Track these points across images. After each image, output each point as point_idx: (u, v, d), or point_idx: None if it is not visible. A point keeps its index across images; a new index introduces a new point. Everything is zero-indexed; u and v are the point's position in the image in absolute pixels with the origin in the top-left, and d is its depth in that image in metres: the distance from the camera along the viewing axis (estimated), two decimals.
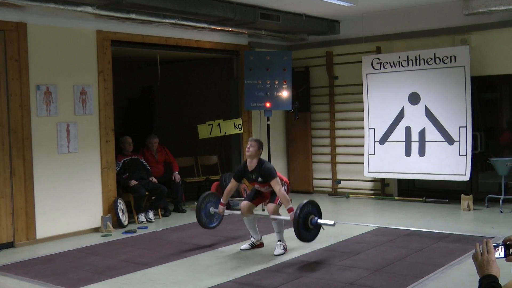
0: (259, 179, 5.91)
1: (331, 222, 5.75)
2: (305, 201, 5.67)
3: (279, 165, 10.30)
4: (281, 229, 5.97)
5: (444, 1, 8.42)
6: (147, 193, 8.08)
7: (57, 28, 7.11)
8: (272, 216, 5.91)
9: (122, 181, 7.98)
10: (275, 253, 5.88)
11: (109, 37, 7.67)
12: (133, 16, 7.21)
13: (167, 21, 7.58)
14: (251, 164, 5.95)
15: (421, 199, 8.95)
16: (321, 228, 5.81)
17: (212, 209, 6.35)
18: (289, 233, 6.79)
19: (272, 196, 5.99)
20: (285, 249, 5.98)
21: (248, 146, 5.97)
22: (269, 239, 6.37)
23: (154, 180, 8.31)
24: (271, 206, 5.93)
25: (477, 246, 2.22)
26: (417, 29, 8.90)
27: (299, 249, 6.11)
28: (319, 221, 5.70)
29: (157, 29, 8.09)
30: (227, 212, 6.38)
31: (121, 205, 7.71)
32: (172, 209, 8.66)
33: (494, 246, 2.21)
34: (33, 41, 6.84)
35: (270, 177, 5.84)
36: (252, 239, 6.22)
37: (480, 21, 8.27)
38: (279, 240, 5.98)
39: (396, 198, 9.32)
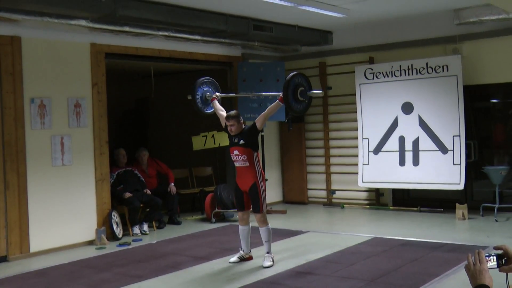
0: (241, 141, 5.88)
1: (319, 91, 6.04)
2: (293, 73, 5.76)
3: (273, 175, 10.29)
4: (269, 238, 5.94)
5: (436, 11, 8.47)
6: (141, 205, 8.03)
7: (51, 41, 7.11)
8: (261, 229, 5.94)
9: (117, 193, 7.92)
10: (264, 265, 5.85)
11: (103, 49, 7.66)
12: (126, 28, 7.23)
13: (160, 33, 7.60)
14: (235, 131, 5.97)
15: (416, 208, 8.94)
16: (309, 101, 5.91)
17: (208, 94, 6.43)
18: (283, 244, 6.89)
19: (255, 204, 5.91)
20: (273, 261, 5.95)
21: (229, 128, 5.92)
22: (261, 252, 6.28)
23: (149, 192, 8.26)
24: (257, 216, 5.94)
25: (469, 256, 2.22)
26: (409, 39, 8.95)
27: (294, 260, 6.10)
28: (308, 92, 5.79)
29: (150, 42, 8.09)
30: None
31: (115, 217, 7.66)
32: (166, 221, 8.60)
33: (486, 256, 2.21)
34: (27, 55, 6.84)
35: (252, 124, 5.91)
36: (241, 251, 6.18)
37: (471, 30, 8.33)
38: (267, 252, 5.95)
39: (391, 207, 9.29)
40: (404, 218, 8.51)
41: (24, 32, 6.78)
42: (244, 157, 5.88)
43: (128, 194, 7.93)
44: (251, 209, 6.04)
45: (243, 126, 6.00)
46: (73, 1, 6.13)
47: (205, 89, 6.48)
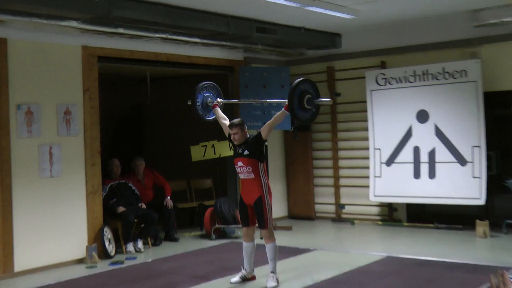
0: (245, 152, 5.75)
1: (328, 100, 5.91)
2: (299, 79, 5.61)
3: (278, 188, 10.13)
4: (275, 256, 5.79)
5: (453, 12, 8.31)
6: (136, 220, 7.86)
7: (40, 43, 7.03)
8: (267, 246, 5.80)
9: (109, 207, 7.77)
10: (268, 285, 5.67)
11: (96, 53, 7.57)
12: (121, 30, 7.13)
13: (157, 35, 7.52)
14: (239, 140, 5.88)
15: (432, 225, 8.71)
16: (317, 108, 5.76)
17: (209, 100, 6.31)
18: (288, 263, 6.78)
19: (260, 218, 5.76)
20: (278, 282, 5.76)
21: (232, 136, 5.80)
22: (264, 271, 6.12)
23: (144, 206, 8.09)
24: (262, 232, 5.84)
25: (491, 278, 2.15)
26: (423, 42, 8.79)
27: (300, 280, 5.93)
28: (316, 100, 5.66)
29: (146, 44, 8.02)
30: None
31: (107, 233, 7.49)
32: (162, 238, 8.44)
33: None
34: (13, 58, 6.73)
35: (257, 134, 5.76)
36: (244, 271, 5.97)
37: (492, 33, 8.14)
38: (271, 271, 5.80)
39: (405, 224, 9.10)
40: (420, 235, 8.33)
41: (11, 33, 6.64)
42: (249, 169, 5.75)
43: (121, 208, 7.76)
44: (256, 224, 5.88)
45: (247, 136, 5.89)
46: (64, 1, 6.02)
47: (206, 94, 6.36)
